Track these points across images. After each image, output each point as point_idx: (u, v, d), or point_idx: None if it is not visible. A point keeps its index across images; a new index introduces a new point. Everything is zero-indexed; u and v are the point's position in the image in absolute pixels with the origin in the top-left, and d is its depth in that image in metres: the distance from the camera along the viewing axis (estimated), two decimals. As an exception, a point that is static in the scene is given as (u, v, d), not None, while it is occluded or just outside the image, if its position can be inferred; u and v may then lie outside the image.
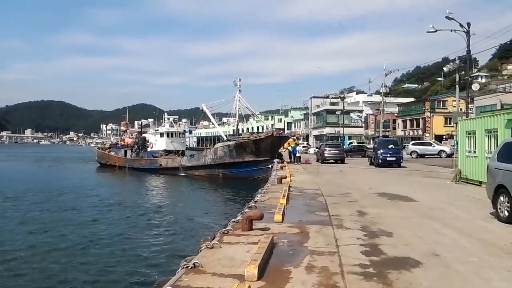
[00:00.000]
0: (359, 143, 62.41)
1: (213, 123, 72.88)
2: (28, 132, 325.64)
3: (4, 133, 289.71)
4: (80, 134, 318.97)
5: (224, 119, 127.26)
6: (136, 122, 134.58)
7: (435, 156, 40.82)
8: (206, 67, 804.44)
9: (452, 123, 32.92)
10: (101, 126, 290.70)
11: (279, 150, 39.54)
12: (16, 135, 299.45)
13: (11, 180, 37.75)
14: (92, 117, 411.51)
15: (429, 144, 44.68)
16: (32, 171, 51.49)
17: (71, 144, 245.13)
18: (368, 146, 50.52)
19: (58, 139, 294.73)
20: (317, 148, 47.84)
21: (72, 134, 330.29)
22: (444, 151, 41.60)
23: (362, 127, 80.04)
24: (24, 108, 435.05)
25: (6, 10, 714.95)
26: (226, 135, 56.32)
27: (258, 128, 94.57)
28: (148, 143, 54.81)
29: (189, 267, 5.43)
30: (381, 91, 66.95)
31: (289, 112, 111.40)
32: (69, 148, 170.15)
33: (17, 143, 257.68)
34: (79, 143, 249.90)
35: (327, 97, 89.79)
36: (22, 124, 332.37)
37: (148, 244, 14.54)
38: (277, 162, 32.08)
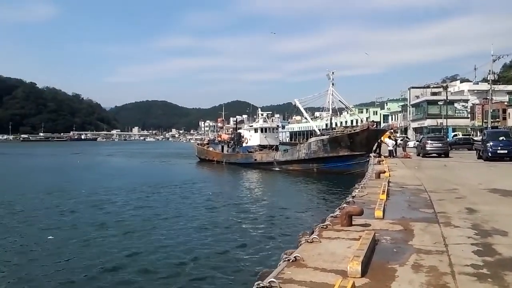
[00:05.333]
0: (464, 135, 57.94)
1: (306, 118, 72.71)
2: (135, 130, 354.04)
3: (114, 132, 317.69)
4: (181, 131, 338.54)
5: (317, 113, 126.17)
6: (231, 118, 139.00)
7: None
8: (297, 62, 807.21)
9: None
10: (200, 123, 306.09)
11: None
12: (125, 133, 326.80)
13: (132, 174, 41.66)
14: (192, 114, 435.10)
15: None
16: (143, 166, 56.05)
17: (173, 141, 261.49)
18: (475, 138, 46.72)
19: (162, 136, 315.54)
20: (417, 141, 45.33)
21: (174, 131, 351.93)
22: None
23: (467, 118, 73.97)
24: (131, 108, 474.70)
25: (114, 17, 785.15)
26: (319, 130, 55.84)
27: (352, 121, 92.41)
28: (243, 139, 56.35)
29: (291, 260, 5.48)
30: (488, 78, 61.26)
31: (385, 104, 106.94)
32: (172, 144, 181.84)
33: (126, 140, 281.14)
34: (180, 139, 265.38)
35: (428, 87, 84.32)
36: (129, 123, 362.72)
37: (247, 235, 15.01)
38: (373, 156, 31.01)
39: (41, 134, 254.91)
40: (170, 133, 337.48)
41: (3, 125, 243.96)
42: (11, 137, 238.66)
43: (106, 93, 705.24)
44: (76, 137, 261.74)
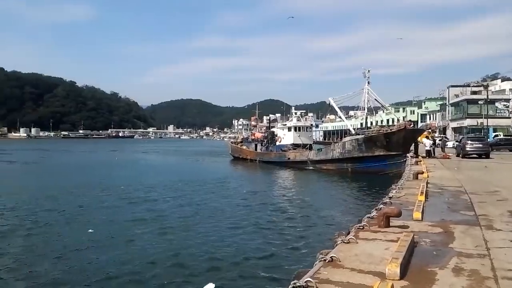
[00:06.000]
0: (506, 135, 55.63)
1: (340, 117, 71.93)
2: (170, 128, 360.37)
3: (150, 129, 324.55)
4: (214, 129, 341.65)
5: (351, 112, 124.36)
6: (264, 117, 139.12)
7: None
8: (330, 61, 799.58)
9: None
10: (233, 121, 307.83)
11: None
12: (160, 131, 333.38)
13: (167, 171, 42.45)
14: (225, 113, 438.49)
15: None
16: (179, 163, 57.06)
17: (207, 139, 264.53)
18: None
19: (196, 134, 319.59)
20: (457, 141, 43.96)
21: (208, 129, 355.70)
22: None
23: (509, 118, 70.98)
24: (166, 107, 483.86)
25: (150, 18, 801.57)
26: (354, 129, 55.09)
27: (388, 121, 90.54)
28: (276, 137, 56.36)
29: (327, 261, 5.47)
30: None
31: (423, 103, 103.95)
32: (206, 142, 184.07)
33: (161, 138, 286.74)
34: (214, 137, 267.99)
35: (467, 86, 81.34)
36: (165, 121, 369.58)
37: (282, 234, 15.02)
38: (411, 156, 30.31)
39: (81, 131, 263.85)
40: (204, 131, 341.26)
41: (45, 122, 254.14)
42: (52, 134, 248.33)
43: (143, 92, 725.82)
44: (114, 134, 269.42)
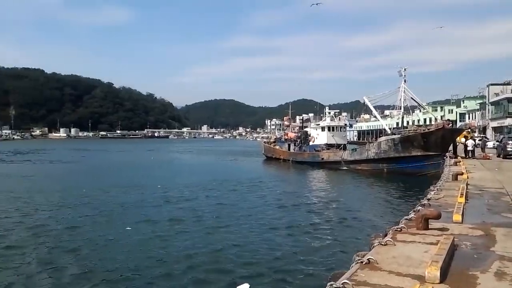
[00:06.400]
0: (550, 135, 53.06)
1: (375, 116, 70.68)
2: (204, 128, 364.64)
3: (184, 129, 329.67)
4: (247, 129, 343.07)
5: (387, 112, 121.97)
6: (297, 117, 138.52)
7: None
8: (364, 59, 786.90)
9: None
10: (266, 121, 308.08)
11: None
12: (194, 131, 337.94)
13: (202, 171, 43.29)
14: (258, 113, 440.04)
15: None
16: (213, 163, 57.79)
17: (240, 139, 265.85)
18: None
19: (229, 134, 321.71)
20: (497, 141, 42.34)
21: (241, 129, 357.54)
22: None
23: (553, 116, 67.70)
24: (200, 107, 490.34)
25: (183, 20, 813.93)
26: (390, 128, 54.05)
27: (425, 120, 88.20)
28: (310, 137, 56.05)
29: (364, 263, 5.44)
30: None
31: (461, 102, 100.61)
32: (238, 142, 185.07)
33: (195, 138, 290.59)
34: (247, 137, 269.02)
35: (508, 84, 78.14)
36: (199, 121, 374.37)
37: (316, 235, 14.95)
38: (449, 157, 29.48)
39: (118, 131, 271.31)
40: (237, 131, 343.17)
41: (83, 123, 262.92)
42: (90, 134, 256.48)
43: (177, 93, 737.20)
44: (149, 134, 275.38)
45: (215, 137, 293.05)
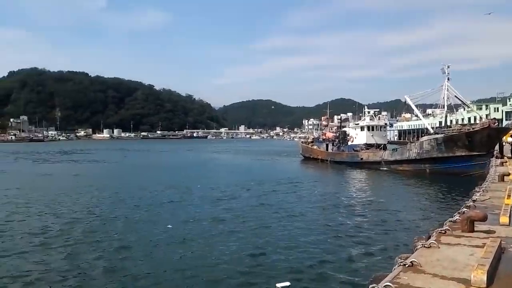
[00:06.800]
0: None
1: (417, 115, 68.91)
2: (241, 128, 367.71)
3: (222, 130, 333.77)
4: (285, 129, 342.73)
5: (429, 110, 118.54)
6: (335, 116, 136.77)
7: None
8: (403, 57, 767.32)
9: None
10: (303, 121, 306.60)
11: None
12: (232, 131, 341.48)
13: (241, 171, 43.81)
14: (295, 113, 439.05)
15: None
16: (251, 163, 58.13)
17: (277, 139, 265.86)
18: None
19: (266, 134, 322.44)
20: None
21: (278, 129, 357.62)
22: None
23: None
24: (237, 107, 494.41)
25: (220, 21, 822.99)
26: (432, 128, 52.53)
27: (469, 119, 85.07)
28: (348, 137, 55.31)
29: (407, 265, 5.36)
30: None
31: (507, 100, 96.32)
32: (276, 142, 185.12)
33: (233, 138, 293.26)
34: (284, 137, 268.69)
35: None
36: (236, 122, 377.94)
37: (356, 237, 14.72)
38: (495, 157, 28.31)
39: (158, 132, 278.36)
40: (274, 131, 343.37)
41: (126, 124, 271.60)
42: (132, 134, 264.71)
43: (215, 94, 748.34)
44: (189, 135, 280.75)
45: (252, 137, 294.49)
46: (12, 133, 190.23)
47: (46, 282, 10.33)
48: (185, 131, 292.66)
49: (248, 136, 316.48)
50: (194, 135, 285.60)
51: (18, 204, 21.78)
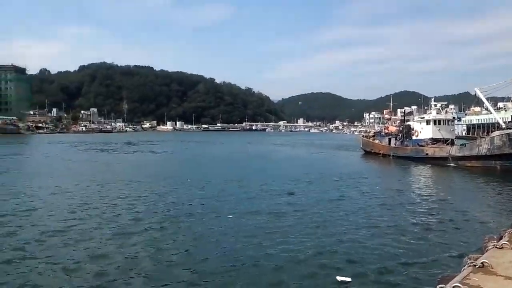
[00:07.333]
0: None
1: (487, 109, 64.99)
2: (300, 121, 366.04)
3: (281, 123, 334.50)
4: (344, 123, 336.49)
5: (500, 104, 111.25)
6: (398, 110, 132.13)
7: None
8: (473, 48, 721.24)
9: None
10: (364, 114, 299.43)
11: None
12: (291, 124, 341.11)
13: (301, 164, 43.80)
14: (355, 106, 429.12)
15: None
16: (311, 156, 57.99)
17: (336, 132, 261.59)
18: None
19: (325, 128, 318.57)
20: None
21: (337, 123, 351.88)
22: None
23: None
24: (296, 100, 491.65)
25: (278, 14, 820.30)
26: (504, 122, 49.36)
27: (548, 112, 78.83)
28: (413, 131, 53.34)
29: (477, 266, 5.29)
30: None
31: None
32: (335, 136, 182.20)
33: (291, 131, 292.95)
34: (343, 131, 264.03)
35: None
36: (295, 115, 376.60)
37: (422, 236, 14.26)
38: None
39: (218, 124, 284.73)
40: (333, 125, 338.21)
41: (188, 116, 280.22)
42: (194, 127, 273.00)
43: (274, 87, 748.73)
44: (248, 127, 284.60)
45: (311, 131, 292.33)
46: (82, 124, 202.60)
47: (124, 266, 11.00)
48: (244, 124, 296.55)
49: (306, 129, 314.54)
50: (253, 127, 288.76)
51: (101, 190, 23.41)
